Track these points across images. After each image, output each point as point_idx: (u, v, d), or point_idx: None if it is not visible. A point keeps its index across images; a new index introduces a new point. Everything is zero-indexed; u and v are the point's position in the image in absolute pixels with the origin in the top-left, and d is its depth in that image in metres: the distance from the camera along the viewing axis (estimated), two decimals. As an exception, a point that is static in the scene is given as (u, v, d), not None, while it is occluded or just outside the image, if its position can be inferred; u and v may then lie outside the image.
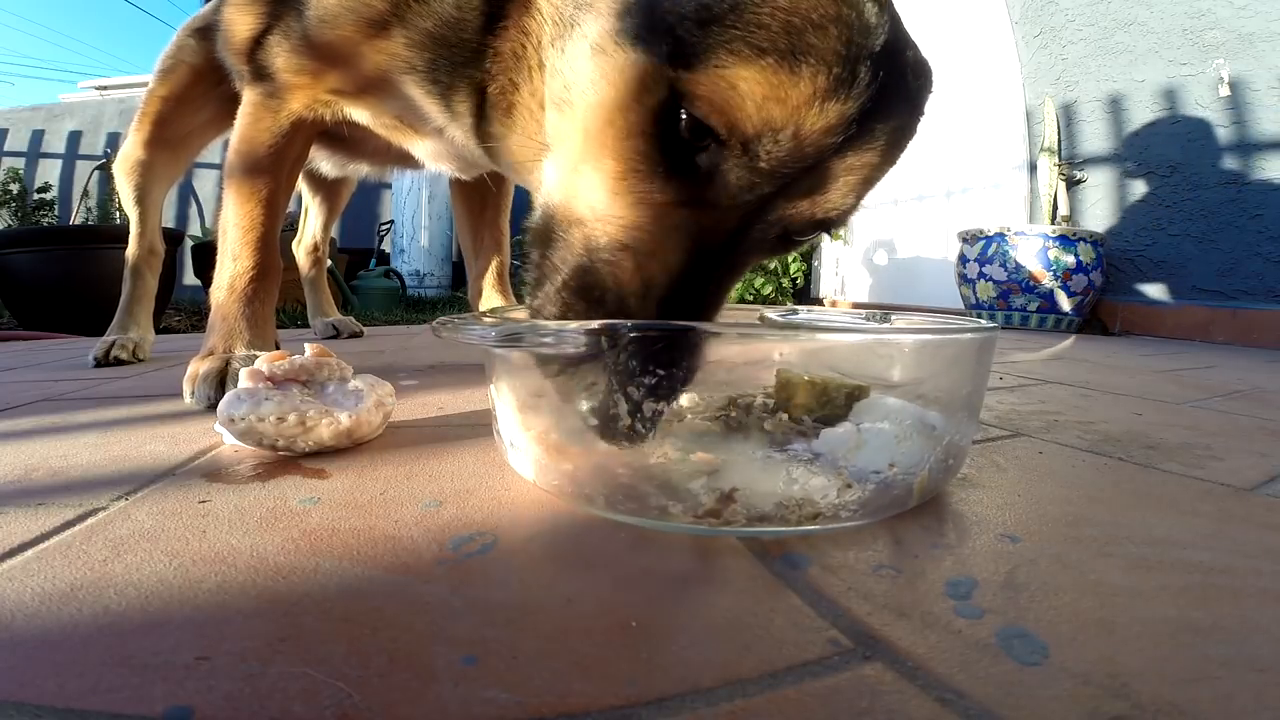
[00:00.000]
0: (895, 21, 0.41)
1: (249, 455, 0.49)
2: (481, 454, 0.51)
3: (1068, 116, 2.04)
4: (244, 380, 0.47)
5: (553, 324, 0.39)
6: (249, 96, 0.80)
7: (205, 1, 1.30)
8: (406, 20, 0.63)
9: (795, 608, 0.29)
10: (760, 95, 0.36)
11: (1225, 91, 1.79)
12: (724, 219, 0.40)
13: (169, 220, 3.16)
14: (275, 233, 0.82)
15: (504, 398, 0.42)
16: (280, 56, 0.75)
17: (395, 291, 3.79)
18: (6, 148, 4.78)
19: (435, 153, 0.80)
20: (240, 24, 0.80)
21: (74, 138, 4.89)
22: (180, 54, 1.17)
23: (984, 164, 2.37)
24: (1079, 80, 2.03)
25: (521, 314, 0.50)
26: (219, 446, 0.52)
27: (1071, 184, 2.00)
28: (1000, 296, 1.97)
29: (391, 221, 4.65)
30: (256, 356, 0.70)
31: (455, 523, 0.36)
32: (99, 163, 4.50)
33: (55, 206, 4.06)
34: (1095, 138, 1.97)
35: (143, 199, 1.26)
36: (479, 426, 0.60)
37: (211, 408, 0.66)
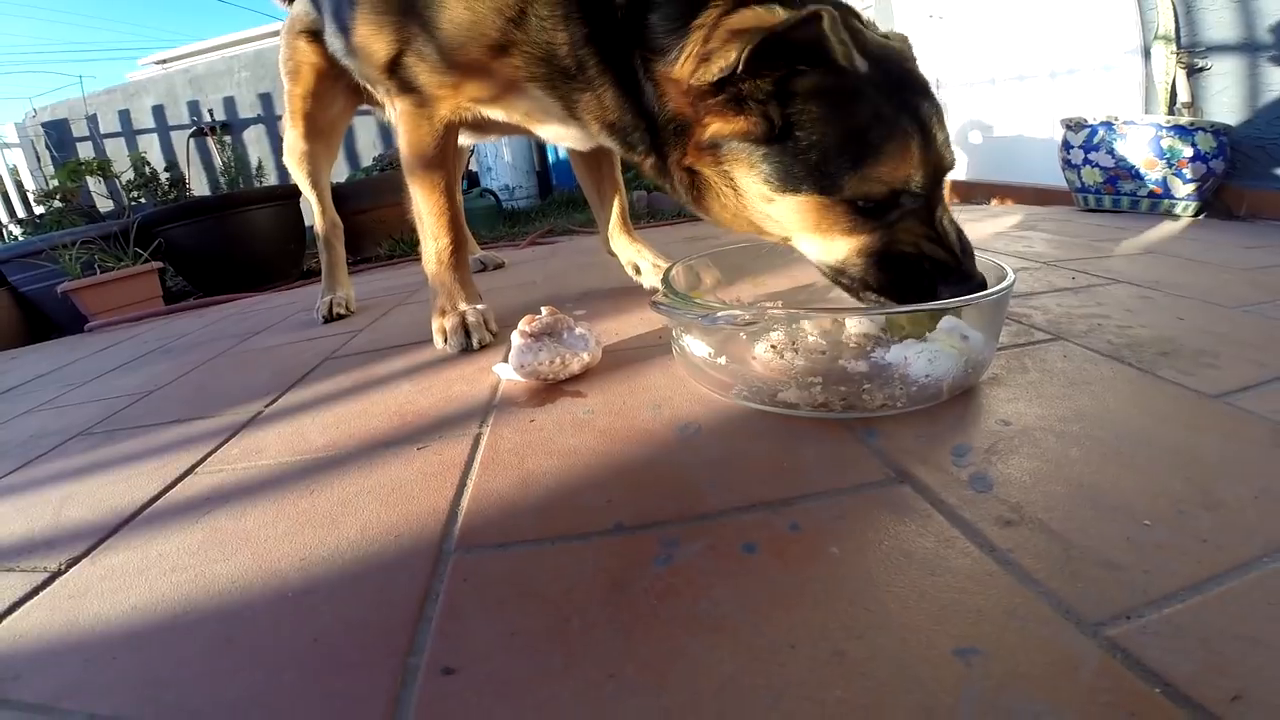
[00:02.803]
0: None
1: (521, 387, 0.80)
2: (665, 369, 0.79)
3: (1186, 3, 1.87)
4: (516, 339, 0.77)
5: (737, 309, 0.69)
6: (402, 106, 0.98)
7: None
8: (519, 44, 0.81)
9: (867, 456, 0.55)
10: None
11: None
12: None
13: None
14: (459, 212, 1.08)
15: (694, 340, 0.70)
16: (422, 74, 0.90)
17: (494, 209, 4.05)
18: (102, 130, 5.09)
19: (557, 135, 1.00)
20: (378, 48, 0.93)
21: (158, 111, 5.17)
22: (298, 55, 1.37)
23: (1091, 46, 2.20)
24: (1194, -34, 1.84)
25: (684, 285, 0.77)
26: (499, 381, 0.83)
27: (1193, 72, 1.87)
28: (1108, 182, 1.95)
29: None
30: (477, 308, 1.01)
31: (674, 418, 0.65)
32: (192, 130, 4.73)
33: (184, 183, 4.12)
34: (1220, 25, 1.80)
35: (316, 183, 1.53)
36: (651, 348, 0.88)
37: (464, 350, 0.98)
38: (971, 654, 0.35)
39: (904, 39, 0.79)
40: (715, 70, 0.66)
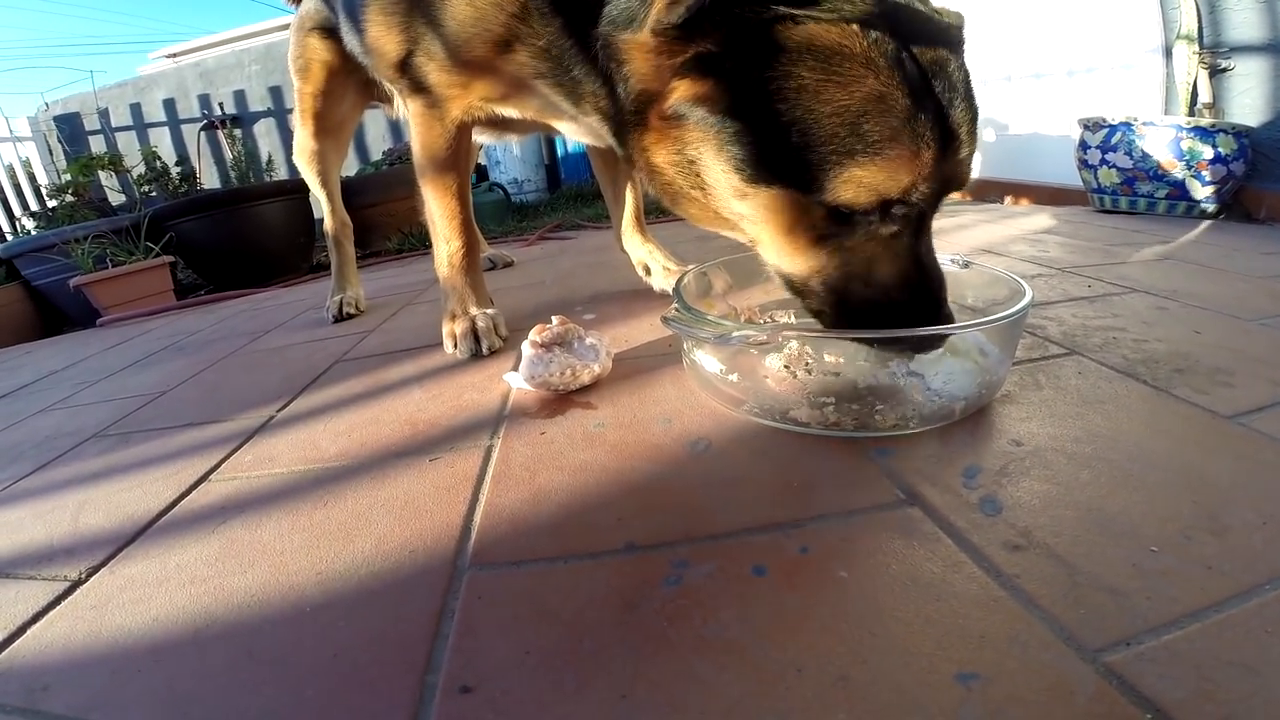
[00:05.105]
0: None
1: (532, 397, 0.80)
2: (675, 381, 0.79)
3: (1210, 3, 1.84)
4: (527, 349, 0.77)
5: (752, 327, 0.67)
6: (414, 107, 0.98)
7: None
8: (523, 38, 0.79)
9: (878, 476, 0.55)
10: None
11: None
12: None
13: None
14: (470, 215, 1.08)
15: (705, 355, 0.70)
16: (432, 74, 0.91)
17: (503, 203, 4.05)
18: (113, 123, 5.07)
19: (575, 131, 0.98)
20: (388, 48, 0.94)
21: (169, 105, 5.14)
22: (308, 53, 1.37)
23: (1111, 44, 2.18)
24: (1220, -35, 1.80)
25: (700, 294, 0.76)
26: (510, 390, 0.83)
27: (1215, 72, 1.85)
28: (1125, 183, 1.93)
29: (483, 138, 4.79)
30: (487, 313, 1.02)
31: (684, 434, 0.65)
32: (203, 124, 4.79)
33: (194, 177, 4.18)
34: (1245, 26, 1.77)
35: (326, 182, 1.53)
36: (661, 356, 0.88)
37: (474, 356, 0.99)
38: (972, 679, 0.36)
39: (958, 16, 0.63)
40: (683, 7, 0.55)
